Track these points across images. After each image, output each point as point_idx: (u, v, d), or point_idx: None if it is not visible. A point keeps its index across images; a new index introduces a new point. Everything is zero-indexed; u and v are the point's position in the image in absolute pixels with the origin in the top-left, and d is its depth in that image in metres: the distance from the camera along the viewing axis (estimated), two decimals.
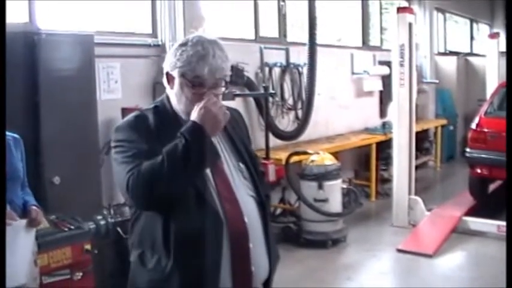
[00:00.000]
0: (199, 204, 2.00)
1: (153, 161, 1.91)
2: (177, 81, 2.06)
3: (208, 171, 2.05)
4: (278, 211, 7.02)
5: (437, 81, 11.85)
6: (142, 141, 2.00)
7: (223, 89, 2.09)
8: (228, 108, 2.28)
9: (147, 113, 2.11)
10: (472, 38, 15.96)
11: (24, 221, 2.97)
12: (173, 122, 2.07)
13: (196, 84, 2.02)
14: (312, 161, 6.41)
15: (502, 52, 10.91)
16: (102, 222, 4.35)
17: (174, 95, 2.09)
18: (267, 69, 7.38)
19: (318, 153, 6.54)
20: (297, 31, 8.22)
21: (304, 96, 7.61)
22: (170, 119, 2.09)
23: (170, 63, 2.07)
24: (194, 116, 1.96)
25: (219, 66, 2.02)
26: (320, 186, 6.25)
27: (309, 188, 6.32)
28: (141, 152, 1.97)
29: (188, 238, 1.99)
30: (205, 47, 2.01)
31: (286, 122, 7.70)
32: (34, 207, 3.11)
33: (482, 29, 16.36)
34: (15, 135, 3.20)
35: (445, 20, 13.60)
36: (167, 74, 2.09)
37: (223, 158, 2.15)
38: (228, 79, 2.10)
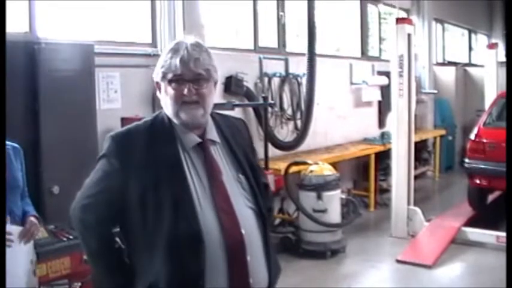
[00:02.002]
0: (175, 215, 1.96)
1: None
2: (162, 86, 2.06)
3: (206, 181, 2.04)
4: (277, 221, 7.00)
5: (436, 91, 11.88)
6: (118, 170, 2.01)
7: (205, 85, 2.04)
8: (232, 118, 2.27)
9: (135, 129, 2.10)
10: (470, 48, 16.03)
11: (18, 230, 2.96)
12: (165, 134, 2.06)
13: (174, 80, 2.01)
14: (311, 171, 6.41)
15: (501, 62, 10.94)
16: None
17: (164, 102, 2.08)
18: (266, 79, 7.41)
19: (317, 164, 6.54)
20: (296, 41, 8.24)
21: (303, 106, 7.62)
22: (162, 132, 2.07)
23: (156, 71, 2.08)
24: None
25: (191, 56, 2.00)
26: (319, 197, 6.24)
27: (307, 198, 6.31)
28: (109, 189, 2.05)
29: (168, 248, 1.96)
30: (179, 43, 2.03)
31: (285, 132, 7.71)
32: (32, 218, 3.09)
33: (481, 40, 16.43)
34: (15, 145, 3.20)
35: (443, 30, 13.66)
36: (156, 83, 2.10)
37: (223, 168, 2.12)
38: (215, 77, 2.08)
